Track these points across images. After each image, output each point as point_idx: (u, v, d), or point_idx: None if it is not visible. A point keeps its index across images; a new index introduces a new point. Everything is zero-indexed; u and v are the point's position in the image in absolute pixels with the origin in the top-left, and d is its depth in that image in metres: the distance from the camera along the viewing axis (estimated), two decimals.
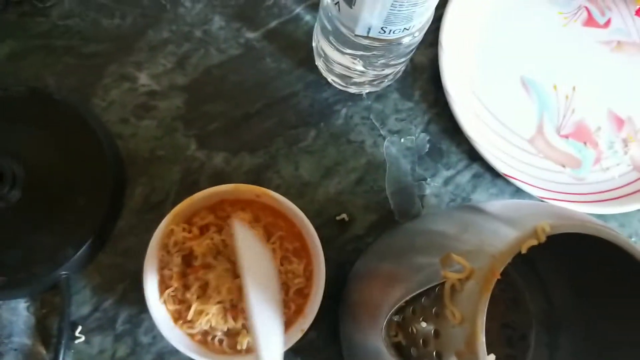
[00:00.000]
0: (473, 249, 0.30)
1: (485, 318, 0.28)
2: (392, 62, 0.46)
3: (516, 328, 0.45)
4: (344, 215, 0.48)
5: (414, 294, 0.31)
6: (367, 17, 0.38)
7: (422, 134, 0.51)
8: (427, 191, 0.50)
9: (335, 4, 0.39)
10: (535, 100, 0.53)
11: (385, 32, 0.39)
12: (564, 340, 0.43)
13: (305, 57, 0.51)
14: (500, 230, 0.31)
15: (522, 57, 0.54)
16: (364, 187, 0.49)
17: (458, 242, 0.32)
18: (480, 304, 0.28)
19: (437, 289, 0.31)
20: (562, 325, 0.43)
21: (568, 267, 0.42)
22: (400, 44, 0.42)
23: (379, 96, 0.51)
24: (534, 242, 0.29)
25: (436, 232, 0.37)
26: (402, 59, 0.46)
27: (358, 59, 0.45)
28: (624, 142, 0.53)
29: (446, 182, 0.50)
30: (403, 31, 0.40)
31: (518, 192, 0.51)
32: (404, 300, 0.31)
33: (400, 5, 0.36)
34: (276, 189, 0.46)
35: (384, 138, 0.50)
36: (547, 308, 0.44)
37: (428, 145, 0.51)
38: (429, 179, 0.50)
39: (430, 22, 0.42)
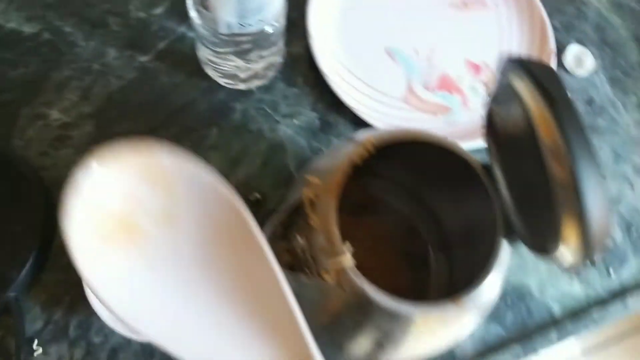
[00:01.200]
0: (326, 168, 0.37)
1: (336, 218, 0.35)
2: (265, 53, 0.52)
3: (416, 254, 0.50)
4: (256, 195, 0.53)
5: (289, 211, 0.37)
6: (224, 16, 0.44)
7: (311, 113, 0.57)
8: None
9: (197, 11, 0.45)
10: (401, 65, 0.60)
11: (244, 26, 0.45)
12: (458, 255, 0.49)
13: (195, 68, 0.57)
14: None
15: (383, 29, 0.62)
16: (270, 168, 0.55)
17: (324, 166, 0.39)
18: (330, 207, 0.35)
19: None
20: (453, 243, 0.49)
21: (441, 187, 0.48)
22: (263, 34, 0.49)
23: (267, 88, 0.57)
24: (364, 152, 0.35)
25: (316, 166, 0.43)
26: (273, 48, 0.52)
27: (233, 56, 0.51)
28: (484, 84, 0.61)
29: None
30: (259, 22, 0.46)
31: None
32: (283, 217, 0.37)
33: (243, 1, 0.42)
34: None
35: (279, 122, 0.56)
36: (439, 232, 0.50)
37: (318, 122, 0.57)
38: (324, 149, 0.56)
39: (285, 10, 0.49)
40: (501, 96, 0.35)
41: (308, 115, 0.57)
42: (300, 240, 0.39)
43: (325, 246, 0.37)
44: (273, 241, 0.36)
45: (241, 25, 0.46)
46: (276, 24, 0.51)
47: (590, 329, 0.54)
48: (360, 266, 0.35)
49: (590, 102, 0.63)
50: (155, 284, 0.31)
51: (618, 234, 0.59)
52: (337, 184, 0.37)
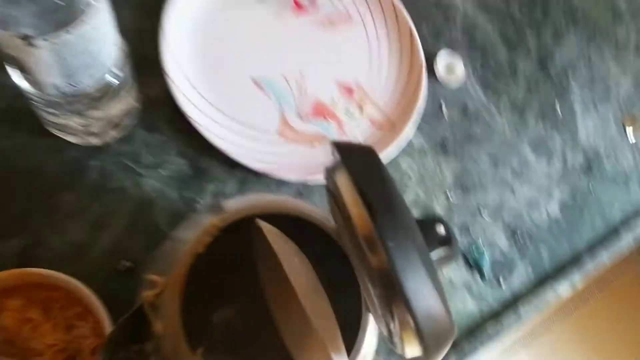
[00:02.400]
0: (167, 262, 0.32)
1: (181, 322, 0.30)
2: (114, 104, 0.46)
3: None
4: (125, 264, 0.47)
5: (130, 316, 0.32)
6: (47, 79, 0.37)
7: (179, 159, 0.52)
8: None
9: (18, 75, 0.39)
10: (272, 95, 0.56)
11: (75, 85, 0.39)
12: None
13: (39, 126, 0.49)
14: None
15: (247, 60, 0.57)
16: (139, 229, 0.49)
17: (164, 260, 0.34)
18: (174, 310, 0.30)
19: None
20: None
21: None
22: (107, 86, 0.43)
23: (126, 139, 0.51)
24: (207, 239, 0.31)
25: (174, 240, 0.38)
26: (124, 96, 0.46)
27: (74, 115, 0.44)
28: (358, 106, 0.58)
29: (215, 195, 0.52)
30: (92, 77, 0.40)
31: (280, 182, 0.53)
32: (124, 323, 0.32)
33: (69, 61, 0.36)
34: (49, 264, 0.45)
35: (143, 176, 0.50)
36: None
37: (188, 169, 0.52)
38: (198, 198, 0.51)
39: (127, 55, 0.43)
40: (329, 178, 0.32)
41: (176, 163, 0.52)
42: (149, 344, 0.34)
43: (173, 356, 0.32)
44: (116, 346, 0.31)
45: (71, 84, 0.39)
46: (120, 73, 0.45)
47: (485, 345, 0.54)
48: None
49: (464, 110, 0.62)
50: None
51: (504, 242, 0.58)
52: (180, 282, 0.32)
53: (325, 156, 0.55)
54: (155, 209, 0.50)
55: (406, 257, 0.27)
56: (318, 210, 0.38)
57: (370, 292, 0.31)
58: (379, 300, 0.28)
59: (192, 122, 0.51)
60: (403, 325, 0.27)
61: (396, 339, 0.29)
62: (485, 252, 0.57)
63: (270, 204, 0.37)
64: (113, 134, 0.50)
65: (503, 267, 0.58)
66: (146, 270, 0.37)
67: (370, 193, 0.27)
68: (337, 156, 0.29)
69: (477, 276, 0.56)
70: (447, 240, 0.37)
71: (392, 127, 0.58)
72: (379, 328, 0.36)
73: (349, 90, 0.58)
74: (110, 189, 0.49)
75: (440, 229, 0.37)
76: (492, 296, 0.56)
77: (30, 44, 0.35)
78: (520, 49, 0.66)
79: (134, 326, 0.34)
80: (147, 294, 0.33)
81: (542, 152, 0.63)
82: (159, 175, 0.51)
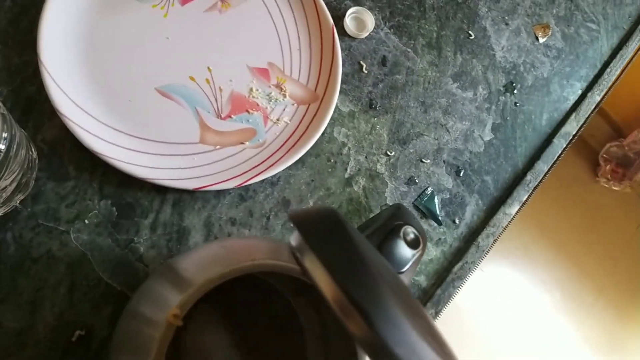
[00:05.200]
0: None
1: None
2: (9, 167, 0.36)
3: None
4: (77, 333, 0.40)
5: None
6: None
7: (102, 202, 0.43)
8: (142, 249, 0.43)
9: None
10: (183, 101, 0.47)
11: None
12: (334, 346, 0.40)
13: None
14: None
15: (144, 72, 0.47)
16: (81, 291, 0.41)
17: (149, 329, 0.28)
18: None
19: None
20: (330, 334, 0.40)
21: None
22: None
23: (35, 197, 0.42)
24: (171, 331, 0.25)
25: (137, 317, 0.32)
26: (16, 154, 0.37)
27: None
28: (278, 88, 0.50)
29: (152, 228, 0.44)
30: None
31: (218, 192, 0.46)
32: None
33: None
34: None
35: (68, 232, 0.42)
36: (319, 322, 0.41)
37: (114, 209, 0.43)
38: (136, 238, 0.43)
39: (7, 119, 0.33)
40: (296, 255, 0.26)
41: (99, 206, 0.43)
42: None
43: None
44: None
45: None
46: (6, 134, 0.35)
47: (456, 285, 0.51)
48: None
49: (384, 61, 0.55)
50: None
51: (450, 183, 0.54)
52: None
53: (258, 152, 0.48)
54: (91, 264, 0.42)
55: (390, 323, 0.21)
56: (273, 248, 0.32)
57: None
58: None
59: (102, 156, 0.42)
60: None
61: None
62: (435, 198, 0.53)
63: (230, 263, 0.30)
64: (18, 197, 0.41)
65: (455, 206, 0.54)
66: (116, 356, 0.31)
67: (340, 272, 0.21)
68: (299, 235, 0.23)
69: (433, 223, 0.53)
70: (418, 242, 0.33)
71: (316, 99, 0.50)
72: None
73: (263, 74, 0.50)
74: (35, 258, 0.41)
75: (410, 235, 0.32)
76: (451, 237, 0.53)
77: None
78: None
79: None
80: None
81: (466, 83, 0.58)
82: (84, 226, 0.42)
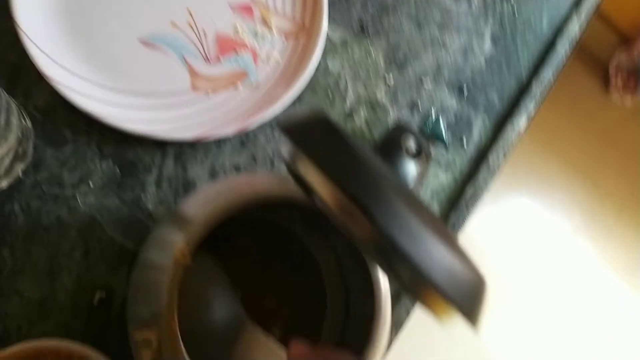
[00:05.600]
0: (150, 312, 0.26)
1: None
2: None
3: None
4: (98, 295, 0.40)
5: None
6: None
7: (104, 162, 0.43)
8: (150, 205, 0.43)
9: None
10: (168, 49, 0.45)
11: None
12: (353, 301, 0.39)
13: None
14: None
15: (125, 23, 0.45)
16: (96, 254, 0.41)
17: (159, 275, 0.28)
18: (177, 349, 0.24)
19: None
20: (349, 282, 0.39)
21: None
22: None
23: (36, 165, 0.41)
24: (181, 268, 0.25)
25: (147, 265, 0.31)
26: (7, 123, 0.36)
27: None
28: (263, 23, 0.48)
29: (158, 183, 0.43)
30: None
31: (219, 141, 0.45)
32: None
33: None
34: (19, 332, 0.38)
35: (74, 197, 0.41)
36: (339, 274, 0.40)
37: (116, 168, 0.43)
38: (142, 195, 0.43)
39: None
40: (291, 164, 0.24)
41: (101, 168, 0.42)
42: None
43: None
44: None
45: None
46: None
47: (470, 209, 0.50)
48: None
49: None
50: None
51: (454, 103, 0.52)
52: (173, 330, 0.25)
53: (253, 94, 0.46)
54: (102, 226, 0.41)
55: (398, 222, 0.20)
56: (277, 180, 0.31)
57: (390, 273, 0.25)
58: (392, 275, 0.23)
59: (97, 116, 0.41)
60: (428, 297, 0.21)
61: (431, 312, 0.23)
62: (440, 121, 0.52)
63: (233, 197, 0.29)
64: (19, 166, 0.40)
65: (461, 127, 0.52)
66: (133, 309, 0.30)
67: (336, 170, 0.20)
68: (290, 141, 0.22)
69: (441, 148, 0.51)
70: (419, 151, 0.31)
71: (305, 30, 0.48)
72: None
73: (247, 11, 0.48)
74: (45, 226, 0.40)
75: (410, 143, 0.31)
76: (460, 160, 0.51)
77: None
78: None
79: None
80: (146, 355, 0.27)
81: None
82: (89, 190, 0.42)
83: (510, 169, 1.48)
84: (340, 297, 0.38)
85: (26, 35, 0.41)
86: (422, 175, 0.31)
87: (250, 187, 0.30)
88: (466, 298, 0.20)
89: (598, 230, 1.51)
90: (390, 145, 0.30)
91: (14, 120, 0.38)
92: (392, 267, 0.22)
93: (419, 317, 0.42)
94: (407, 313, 0.44)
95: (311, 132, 0.22)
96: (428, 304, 0.22)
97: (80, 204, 0.41)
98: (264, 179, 0.32)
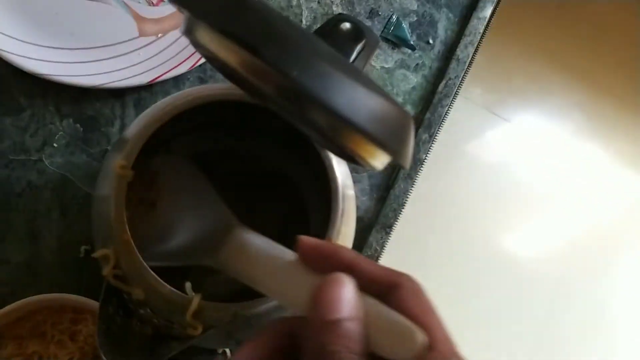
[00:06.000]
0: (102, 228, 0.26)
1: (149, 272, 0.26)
2: None
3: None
4: (83, 248, 0.40)
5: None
6: None
7: (63, 121, 0.42)
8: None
9: None
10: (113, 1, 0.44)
11: None
12: None
13: None
14: None
15: None
16: (73, 210, 0.41)
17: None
18: (141, 273, 0.27)
19: None
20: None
21: None
22: None
23: None
24: (124, 181, 0.25)
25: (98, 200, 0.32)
26: None
27: None
28: None
29: (122, 132, 0.43)
30: None
31: (177, 81, 0.44)
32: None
33: None
34: (13, 296, 0.38)
35: (41, 160, 0.41)
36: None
37: (78, 125, 0.42)
38: (109, 147, 0.42)
39: None
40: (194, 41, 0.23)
41: (63, 127, 0.42)
42: (141, 310, 0.29)
43: (168, 306, 0.27)
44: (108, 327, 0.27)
45: None
46: None
47: (445, 105, 0.49)
48: None
49: None
50: None
51: (413, 3, 0.50)
52: (127, 243, 0.26)
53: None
54: (74, 183, 0.41)
55: (306, 64, 0.19)
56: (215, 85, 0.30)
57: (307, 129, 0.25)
58: (314, 131, 0.22)
59: (49, 77, 0.41)
60: (351, 141, 0.21)
61: (359, 159, 0.23)
62: (402, 24, 0.50)
63: (165, 108, 0.28)
64: None
65: (425, 27, 0.50)
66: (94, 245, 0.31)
67: (236, 31, 0.19)
68: (185, 12, 0.21)
69: (407, 50, 0.49)
70: (358, 32, 0.30)
71: None
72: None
73: None
74: (19, 192, 0.40)
75: (345, 25, 0.30)
76: (428, 59, 0.50)
77: None
78: None
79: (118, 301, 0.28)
80: (107, 271, 0.27)
81: None
82: (55, 150, 0.41)
83: (504, 83, 1.45)
84: (319, 210, 0.38)
85: None
86: (368, 53, 0.30)
87: (185, 95, 0.29)
88: (390, 135, 0.20)
89: (602, 126, 1.49)
90: (325, 29, 0.28)
91: None
92: (309, 120, 0.21)
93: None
94: (395, 214, 0.44)
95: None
96: (354, 151, 0.21)
97: (48, 166, 0.41)
98: (203, 88, 0.31)
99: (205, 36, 0.20)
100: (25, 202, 0.40)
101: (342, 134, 0.20)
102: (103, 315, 0.27)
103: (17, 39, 0.41)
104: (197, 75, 0.45)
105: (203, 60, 0.43)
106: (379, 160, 0.22)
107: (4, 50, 0.40)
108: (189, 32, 0.21)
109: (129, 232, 0.26)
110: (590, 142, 1.46)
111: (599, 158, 1.46)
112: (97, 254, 0.27)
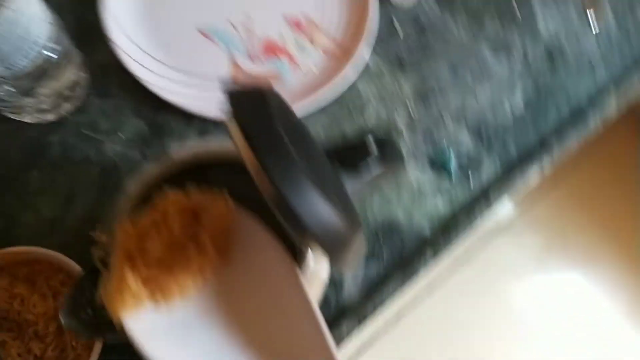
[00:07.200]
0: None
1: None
2: (60, 78, 0.42)
3: None
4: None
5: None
6: None
7: (136, 120, 0.48)
8: None
9: None
10: (220, 42, 0.51)
11: (10, 67, 0.36)
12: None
13: None
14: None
15: (189, 10, 0.52)
16: (109, 194, 0.45)
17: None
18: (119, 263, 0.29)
19: None
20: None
21: None
22: (47, 62, 0.39)
23: (81, 109, 0.47)
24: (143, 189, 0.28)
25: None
26: (69, 69, 0.42)
27: (18, 94, 0.40)
28: (309, 37, 0.52)
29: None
30: (23, 57, 0.36)
31: None
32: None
33: None
34: (29, 241, 0.42)
35: (104, 142, 0.46)
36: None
37: (146, 127, 0.48)
38: (164, 155, 0.47)
39: (62, 30, 0.39)
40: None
41: (133, 124, 0.48)
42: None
43: None
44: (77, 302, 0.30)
45: (7, 67, 0.36)
46: (57, 47, 0.41)
47: (460, 235, 0.50)
48: None
49: (418, 24, 0.56)
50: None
51: (469, 142, 0.54)
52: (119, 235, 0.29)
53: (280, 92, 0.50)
54: (120, 172, 0.46)
55: (288, 177, 0.25)
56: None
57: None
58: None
59: (143, 82, 0.47)
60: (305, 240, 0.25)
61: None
62: (450, 153, 0.53)
63: (215, 151, 0.33)
64: (67, 107, 0.46)
65: (470, 164, 0.53)
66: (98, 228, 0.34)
67: (255, 137, 0.25)
68: (227, 104, 0.27)
69: (446, 178, 0.52)
70: (383, 150, 0.33)
71: (345, 52, 0.52)
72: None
73: (297, 23, 0.53)
74: (74, 161, 0.46)
75: (371, 144, 0.33)
76: (462, 192, 0.52)
77: None
78: None
79: (93, 284, 0.32)
80: (96, 252, 0.31)
81: (501, 50, 0.57)
82: (119, 139, 0.47)
83: (560, 242, 1.41)
84: None
85: (105, 7, 0.48)
86: (387, 169, 0.33)
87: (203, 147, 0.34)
88: (334, 244, 0.25)
89: None
90: (352, 143, 0.33)
91: (74, 69, 0.45)
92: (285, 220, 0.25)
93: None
94: (374, 308, 0.45)
95: (246, 102, 0.26)
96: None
97: (107, 149, 0.46)
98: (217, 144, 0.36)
99: (233, 130, 0.25)
100: (76, 170, 0.45)
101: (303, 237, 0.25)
102: (78, 285, 0.30)
103: (132, 41, 0.48)
104: None
105: None
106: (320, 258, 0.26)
107: (118, 46, 0.47)
108: (227, 121, 0.27)
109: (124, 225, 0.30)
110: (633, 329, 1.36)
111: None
112: (97, 234, 0.31)
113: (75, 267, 0.40)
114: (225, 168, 0.34)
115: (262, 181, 0.24)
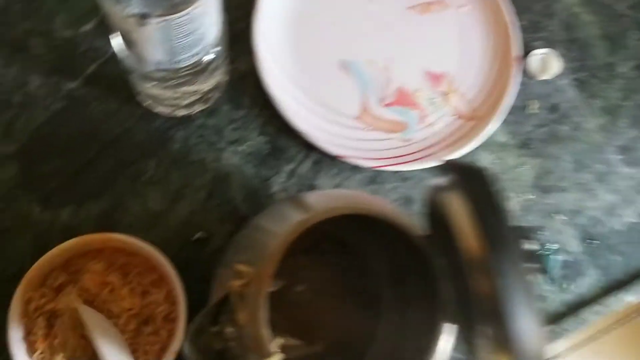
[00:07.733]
0: (257, 254, 0.29)
1: (265, 316, 0.28)
2: (207, 80, 0.41)
3: (367, 292, 0.42)
4: (199, 234, 0.44)
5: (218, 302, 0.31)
6: (151, 56, 0.34)
7: (259, 137, 0.47)
8: (275, 188, 0.46)
9: (123, 49, 0.35)
10: (356, 79, 0.50)
11: (176, 62, 0.35)
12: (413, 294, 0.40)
13: (130, 93, 0.46)
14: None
15: (335, 43, 0.50)
16: (215, 202, 0.45)
17: (268, 238, 0.31)
18: (259, 303, 0.29)
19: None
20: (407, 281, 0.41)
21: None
22: (203, 63, 0.38)
23: (210, 112, 0.47)
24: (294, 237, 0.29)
25: (259, 229, 0.35)
26: (216, 72, 0.42)
27: (168, 89, 0.40)
28: (444, 96, 0.51)
29: (290, 175, 0.47)
30: (194, 57, 0.35)
31: (354, 167, 0.48)
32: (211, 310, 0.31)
33: (177, 41, 0.32)
34: (128, 228, 0.43)
35: (224, 150, 0.46)
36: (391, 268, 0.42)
37: (267, 147, 0.47)
38: (273, 177, 0.47)
39: (224, 33, 0.38)
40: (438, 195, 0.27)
41: (256, 140, 0.47)
42: (230, 329, 0.31)
43: (254, 345, 0.29)
44: (202, 329, 0.30)
45: (173, 62, 0.36)
46: (217, 48, 0.40)
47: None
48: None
49: (554, 108, 0.54)
50: None
51: (576, 247, 0.51)
52: (268, 277, 0.29)
53: (401, 145, 0.49)
54: (231, 183, 0.46)
55: (516, 291, 0.23)
56: (400, 212, 0.33)
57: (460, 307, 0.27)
58: (473, 319, 0.24)
59: (274, 100, 0.46)
60: (497, 346, 0.24)
61: (482, 354, 0.26)
62: (555, 255, 0.50)
63: (356, 203, 0.32)
64: (199, 107, 0.46)
65: (572, 270, 0.50)
66: (231, 256, 0.34)
67: (486, 222, 0.24)
68: (453, 176, 0.26)
69: (544, 277, 0.50)
70: (534, 257, 0.32)
71: (476, 120, 0.50)
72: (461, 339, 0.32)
73: (435, 80, 0.51)
74: (192, 161, 0.46)
75: (531, 245, 0.32)
76: (555, 299, 0.49)
77: (144, 23, 0.31)
78: (622, 51, 0.56)
79: (217, 311, 0.31)
80: (235, 284, 0.31)
81: (632, 159, 0.54)
82: (238, 151, 0.47)
83: None
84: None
85: (258, 15, 0.47)
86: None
87: (375, 205, 0.32)
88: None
89: None
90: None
91: (221, 72, 0.44)
92: (477, 325, 0.24)
93: None
94: None
95: (474, 178, 0.25)
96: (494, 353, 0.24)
97: (225, 158, 0.46)
98: (379, 201, 0.34)
99: (458, 206, 0.23)
100: (190, 170, 0.45)
101: (498, 337, 0.23)
102: (207, 313, 0.30)
103: (273, 58, 0.48)
104: (370, 174, 0.48)
105: (386, 168, 0.46)
106: None
107: (260, 59, 0.46)
108: (442, 190, 0.25)
109: (274, 269, 0.29)
110: None
111: None
112: (238, 266, 0.30)
113: (170, 271, 0.40)
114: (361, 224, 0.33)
115: (481, 274, 0.23)
